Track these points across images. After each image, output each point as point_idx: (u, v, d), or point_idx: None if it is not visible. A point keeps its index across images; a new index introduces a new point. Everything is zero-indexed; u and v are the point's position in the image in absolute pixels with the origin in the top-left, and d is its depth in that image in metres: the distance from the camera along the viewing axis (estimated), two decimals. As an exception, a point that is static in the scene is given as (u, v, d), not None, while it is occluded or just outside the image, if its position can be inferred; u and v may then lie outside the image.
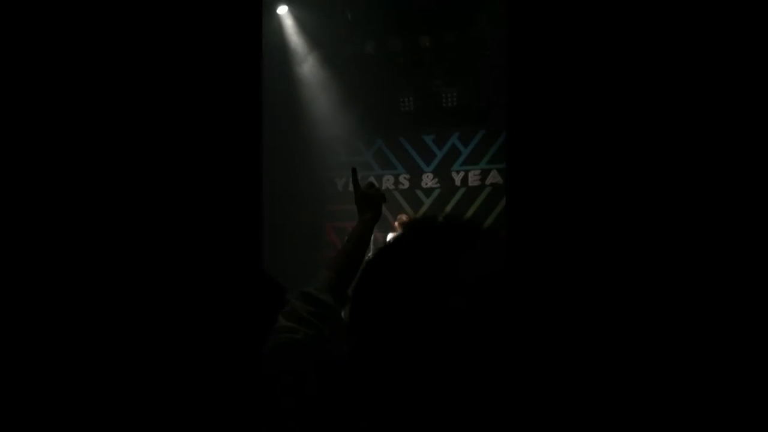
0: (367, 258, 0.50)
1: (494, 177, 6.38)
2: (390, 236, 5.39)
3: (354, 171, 1.08)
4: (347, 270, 0.98)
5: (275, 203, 4.35)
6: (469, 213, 6.40)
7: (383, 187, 6.95)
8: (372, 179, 1.06)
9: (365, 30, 6.16)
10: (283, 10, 6.39)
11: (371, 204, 1.08)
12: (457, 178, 6.58)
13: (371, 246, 1.14)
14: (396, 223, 5.11)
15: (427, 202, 6.67)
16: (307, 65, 6.56)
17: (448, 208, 6.52)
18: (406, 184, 6.91)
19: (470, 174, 6.52)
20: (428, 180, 6.81)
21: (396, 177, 6.99)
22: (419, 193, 6.82)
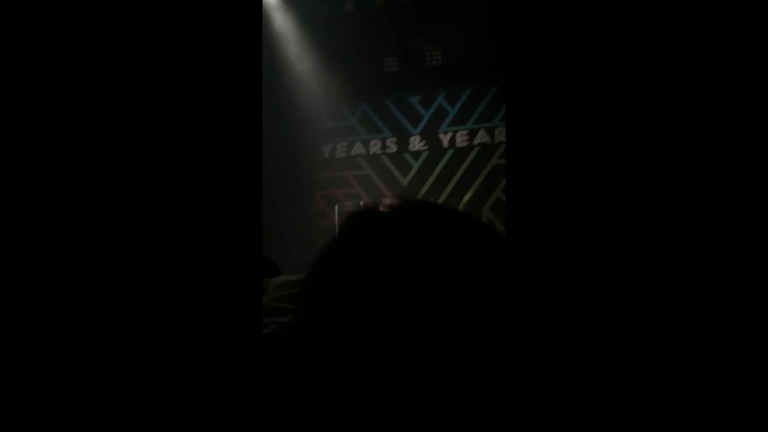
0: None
1: (482, 137, 6.33)
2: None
3: None
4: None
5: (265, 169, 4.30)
6: (458, 174, 6.38)
7: (370, 153, 6.90)
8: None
9: (343, -12, 5.92)
10: (255, -31, 6.09)
11: None
12: (445, 140, 6.52)
13: None
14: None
15: (416, 166, 6.64)
16: (283, 25, 6.32)
17: (437, 170, 6.49)
18: (394, 148, 6.84)
19: (458, 135, 6.46)
20: (416, 143, 6.74)
21: (383, 141, 6.92)
22: (407, 156, 6.76)
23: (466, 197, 6.16)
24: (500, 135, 6.31)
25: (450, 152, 6.46)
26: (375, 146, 6.88)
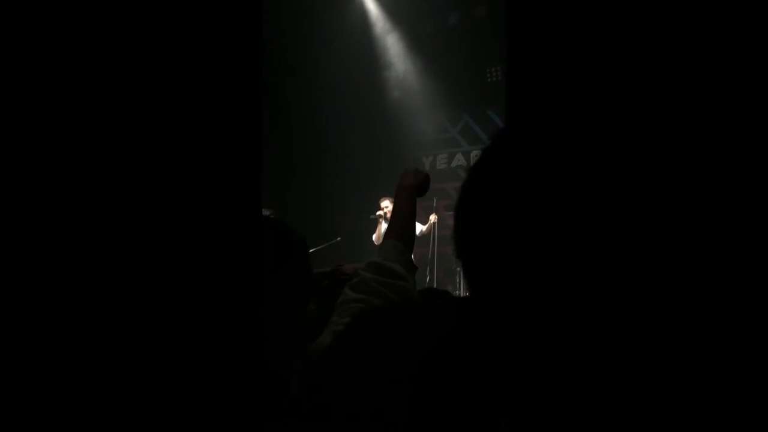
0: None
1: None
2: (433, 217, 5.09)
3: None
4: (409, 239, 0.95)
5: (367, 186, 4.45)
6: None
7: (471, 163, 6.73)
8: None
9: (446, 2, 5.96)
10: (363, -8, 6.41)
11: (423, 186, 1.05)
12: (552, 150, 6.18)
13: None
14: (382, 211, 4.44)
15: (519, 177, 6.39)
16: (393, 45, 6.53)
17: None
18: (496, 159, 6.65)
19: (566, 144, 6.08)
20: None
21: (485, 152, 6.77)
22: (510, 167, 6.53)
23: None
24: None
25: (557, 163, 6.09)
26: (476, 157, 6.72)
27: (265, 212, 5.28)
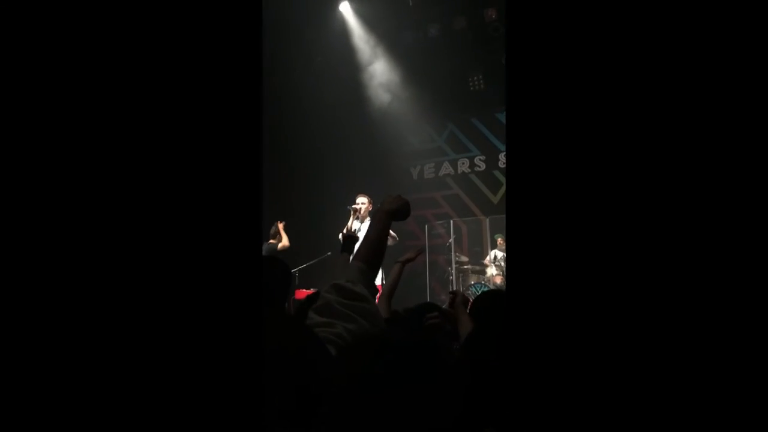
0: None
1: (578, 149, 5.98)
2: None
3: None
4: (375, 263, 0.97)
5: (355, 193, 4.44)
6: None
7: (458, 172, 6.83)
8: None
9: (427, 13, 6.05)
10: (344, 6, 6.47)
11: (403, 211, 1.08)
12: (537, 154, 6.25)
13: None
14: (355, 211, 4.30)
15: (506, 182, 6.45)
16: (375, 58, 6.59)
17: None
18: (483, 166, 6.72)
19: (550, 148, 6.16)
20: (505, 159, 6.56)
21: (471, 159, 6.83)
22: (497, 173, 6.60)
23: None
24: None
25: (543, 167, 6.15)
26: (463, 165, 6.81)
27: (279, 224, 5.25)
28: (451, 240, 6.08)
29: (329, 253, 5.41)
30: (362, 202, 4.29)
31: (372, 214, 1.04)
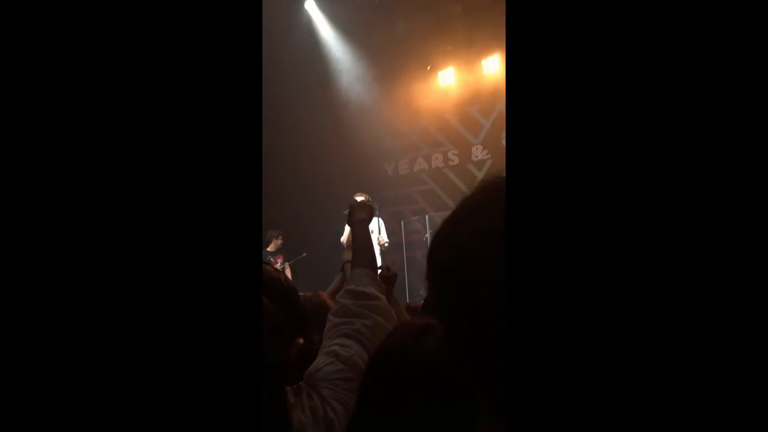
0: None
1: (547, 139, 6.10)
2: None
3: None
4: (373, 264, 1.14)
5: (331, 193, 4.42)
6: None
7: (432, 167, 6.87)
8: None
9: (393, 10, 6.05)
10: (310, 4, 6.41)
11: (371, 215, 1.28)
12: (508, 146, 6.35)
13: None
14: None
15: (480, 175, 6.52)
16: (344, 55, 6.56)
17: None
18: (456, 160, 6.78)
19: (521, 140, 6.26)
20: (478, 152, 6.64)
21: (445, 154, 6.88)
22: (470, 167, 6.67)
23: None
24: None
25: (515, 159, 6.25)
26: (437, 160, 6.86)
27: (273, 233, 5.19)
28: (428, 235, 6.11)
29: (304, 254, 5.39)
30: (360, 201, 4.28)
31: (349, 224, 1.21)
